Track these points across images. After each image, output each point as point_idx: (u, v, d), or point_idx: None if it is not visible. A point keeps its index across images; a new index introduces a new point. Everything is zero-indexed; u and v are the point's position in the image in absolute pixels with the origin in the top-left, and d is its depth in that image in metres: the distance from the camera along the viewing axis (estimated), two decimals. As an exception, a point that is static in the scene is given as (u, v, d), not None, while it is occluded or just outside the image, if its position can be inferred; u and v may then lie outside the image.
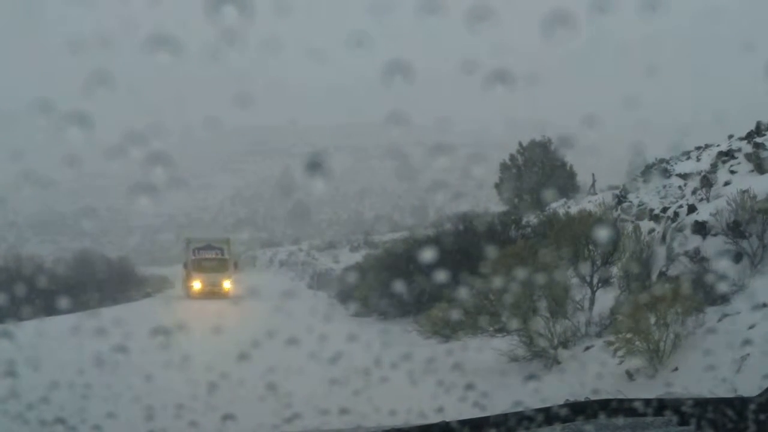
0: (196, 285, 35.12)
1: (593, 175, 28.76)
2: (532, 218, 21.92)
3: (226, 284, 35.49)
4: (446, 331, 10.72)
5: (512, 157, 33.82)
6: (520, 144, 33.98)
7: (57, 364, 9.37)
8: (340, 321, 19.11)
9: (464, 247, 18.89)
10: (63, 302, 15.08)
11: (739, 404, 2.18)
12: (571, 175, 34.28)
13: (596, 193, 28.04)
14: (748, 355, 6.75)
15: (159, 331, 10.52)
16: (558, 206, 24.21)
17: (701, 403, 2.22)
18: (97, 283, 26.92)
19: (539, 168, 33.07)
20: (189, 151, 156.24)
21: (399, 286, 15.67)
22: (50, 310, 15.26)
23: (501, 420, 2.18)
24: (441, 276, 8.50)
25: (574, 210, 18.96)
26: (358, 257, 38.18)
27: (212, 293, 33.89)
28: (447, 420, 2.20)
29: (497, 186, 33.33)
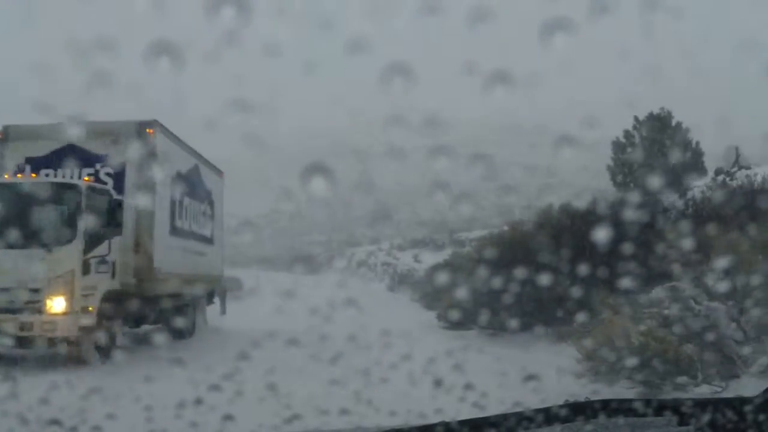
0: None
1: (737, 149, 23.36)
2: (674, 201, 17.94)
3: (57, 304, 10.96)
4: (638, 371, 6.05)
5: (627, 134, 28.61)
6: (636, 119, 28.79)
7: None
8: (430, 336, 14.52)
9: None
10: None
11: (738, 405, 2.09)
12: (698, 153, 28.88)
13: (739, 170, 23.16)
14: None
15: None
16: (707, 185, 19.45)
17: (701, 404, 2.15)
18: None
19: (660, 145, 27.82)
20: (266, 154, 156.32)
21: (514, 288, 10.52)
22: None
23: (500, 420, 2.08)
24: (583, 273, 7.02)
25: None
26: (443, 256, 33.85)
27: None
28: (446, 420, 2.05)
29: (610, 168, 28.30)
